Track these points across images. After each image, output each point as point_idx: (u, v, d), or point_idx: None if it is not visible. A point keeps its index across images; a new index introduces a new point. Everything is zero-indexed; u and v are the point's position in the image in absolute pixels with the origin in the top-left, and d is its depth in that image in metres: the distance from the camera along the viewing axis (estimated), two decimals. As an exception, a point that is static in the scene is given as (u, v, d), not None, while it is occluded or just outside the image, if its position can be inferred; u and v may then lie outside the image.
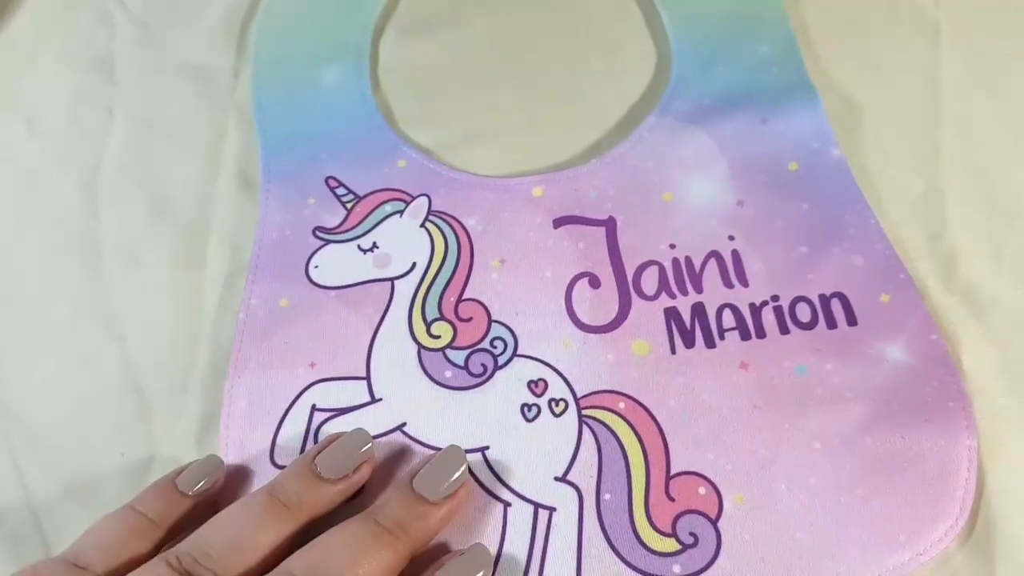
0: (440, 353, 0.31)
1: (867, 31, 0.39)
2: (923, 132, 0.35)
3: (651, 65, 0.39)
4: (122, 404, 0.32)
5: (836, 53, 0.38)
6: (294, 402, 0.30)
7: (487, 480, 0.28)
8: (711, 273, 0.31)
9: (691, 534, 0.26)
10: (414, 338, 0.31)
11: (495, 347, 0.31)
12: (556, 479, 0.28)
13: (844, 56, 0.38)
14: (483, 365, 0.30)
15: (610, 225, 0.33)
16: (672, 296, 0.31)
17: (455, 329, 0.31)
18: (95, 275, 0.35)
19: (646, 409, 0.29)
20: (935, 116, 0.35)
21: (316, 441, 0.30)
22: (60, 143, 0.39)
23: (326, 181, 0.36)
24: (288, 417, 0.30)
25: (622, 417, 0.29)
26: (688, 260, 0.32)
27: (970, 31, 0.38)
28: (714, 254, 0.32)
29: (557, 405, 0.29)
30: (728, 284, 0.31)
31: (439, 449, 0.28)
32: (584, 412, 0.29)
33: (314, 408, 0.30)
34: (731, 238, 0.32)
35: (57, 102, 0.41)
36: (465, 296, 0.32)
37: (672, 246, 0.32)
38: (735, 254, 0.32)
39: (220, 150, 0.38)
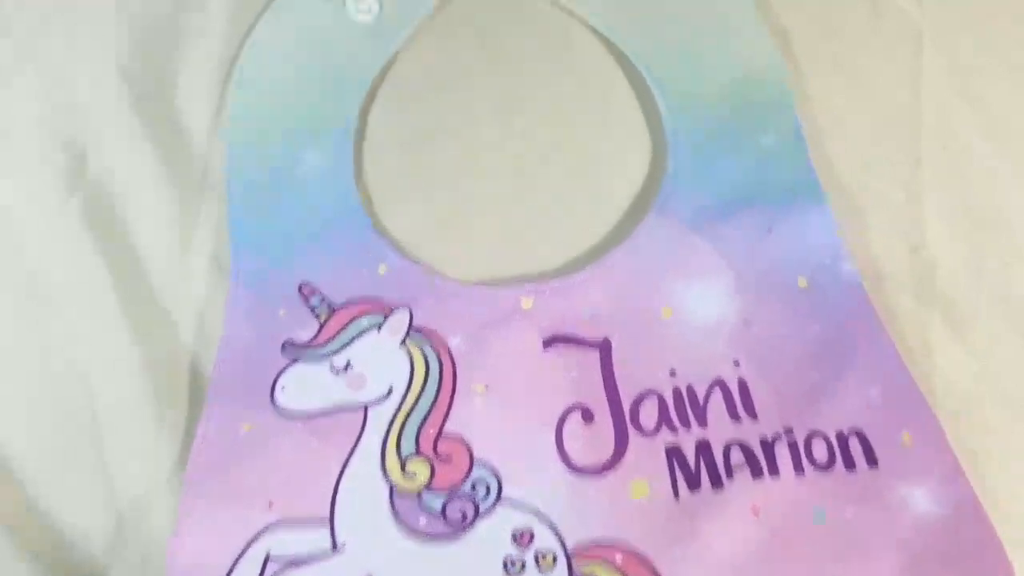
0: (415, 496, 0.28)
1: (848, 37, 0.37)
2: (904, 142, 0.35)
3: (646, 153, 0.36)
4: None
5: (816, 60, 0.37)
6: (245, 551, 0.27)
7: None
8: (716, 404, 0.29)
9: None
10: (386, 476, 0.28)
11: (477, 491, 0.28)
12: None
13: (824, 63, 0.37)
14: (463, 513, 0.27)
15: (604, 348, 0.30)
16: (674, 430, 0.28)
17: (433, 468, 0.28)
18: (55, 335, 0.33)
19: (647, 561, 0.26)
20: (916, 125, 0.35)
21: None
22: (27, 193, 0.36)
23: (299, 289, 0.33)
24: (237, 569, 0.27)
25: (619, 571, 0.26)
26: (690, 389, 0.29)
27: (953, 38, 0.37)
28: (719, 383, 0.29)
29: (544, 559, 0.26)
30: (735, 417, 0.28)
31: None
32: (576, 566, 0.26)
33: (267, 560, 0.27)
34: (736, 363, 0.30)
35: (29, 147, 0.37)
36: (446, 429, 0.29)
37: (672, 373, 0.30)
38: (741, 383, 0.29)
39: (193, 224, 0.35)
